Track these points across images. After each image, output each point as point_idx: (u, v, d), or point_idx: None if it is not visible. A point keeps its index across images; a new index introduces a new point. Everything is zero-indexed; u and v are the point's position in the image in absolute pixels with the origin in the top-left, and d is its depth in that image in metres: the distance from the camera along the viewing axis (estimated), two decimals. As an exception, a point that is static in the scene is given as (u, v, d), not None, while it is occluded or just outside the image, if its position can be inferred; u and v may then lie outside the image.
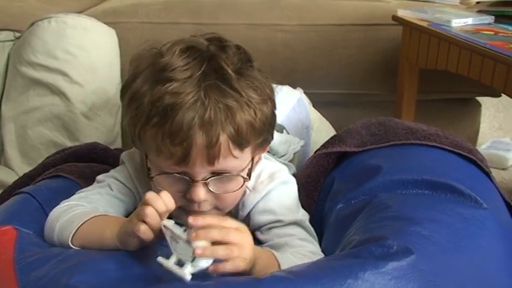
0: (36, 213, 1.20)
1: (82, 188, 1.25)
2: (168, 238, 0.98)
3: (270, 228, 1.19)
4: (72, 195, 1.21)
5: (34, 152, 1.80)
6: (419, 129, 1.25)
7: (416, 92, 1.94)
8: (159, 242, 1.02)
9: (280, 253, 1.10)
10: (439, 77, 1.95)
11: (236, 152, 1.09)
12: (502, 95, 2.11)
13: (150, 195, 1.01)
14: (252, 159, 1.15)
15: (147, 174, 1.14)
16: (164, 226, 0.98)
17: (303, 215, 1.21)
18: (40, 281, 0.99)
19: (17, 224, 1.15)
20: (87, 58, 1.83)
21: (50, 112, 1.80)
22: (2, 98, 1.88)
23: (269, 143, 1.20)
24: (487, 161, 1.25)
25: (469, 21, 1.76)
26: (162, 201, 1.01)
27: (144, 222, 0.99)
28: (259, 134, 1.12)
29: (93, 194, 1.21)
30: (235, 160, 1.10)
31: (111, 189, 1.22)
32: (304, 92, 1.63)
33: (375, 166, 1.16)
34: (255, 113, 1.10)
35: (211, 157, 1.07)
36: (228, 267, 0.96)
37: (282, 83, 1.59)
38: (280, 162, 1.33)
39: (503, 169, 2.28)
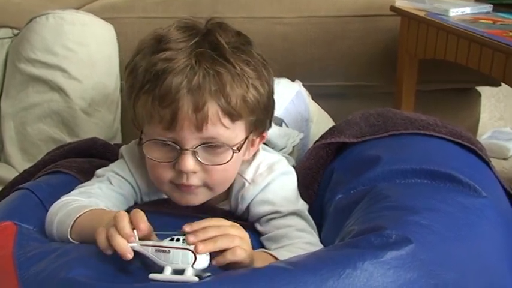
0: (36, 208, 1.20)
1: (81, 183, 1.25)
2: (151, 255, 0.95)
3: (269, 220, 1.19)
4: (72, 190, 1.21)
5: (34, 148, 1.80)
6: (418, 119, 1.25)
7: (416, 82, 1.94)
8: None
9: (277, 252, 1.10)
10: (438, 67, 1.95)
11: (226, 121, 1.10)
12: (503, 84, 2.11)
13: (117, 215, 0.98)
14: (246, 138, 1.15)
15: (138, 143, 1.16)
16: (142, 245, 0.96)
17: (302, 205, 1.21)
18: (39, 275, 0.99)
19: (17, 220, 1.15)
20: (86, 54, 1.83)
21: (49, 108, 1.80)
22: (1, 95, 1.88)
23: (265, 128, 1.20)
24: (488, 151, 1.24)
25: (467, 10, 1.76)
26: (127, 221, 0.97)
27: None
28: (252, 110, 1.13)
29: (93, 189, 1.21)
30: (225, 130, 1.11)
31: (111, 184, 1.22)
32: (303, 85, 1.63)
33: (374, 156, 1.16)
34: (247, 87, 1.11)
35: (199, 122, 1.08)
36: (229, 256, 0.96)
37: (280, 75, 1.59)
38: (279, 154, 1.33)
39: (504, 159, 2.28)
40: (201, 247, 0.94)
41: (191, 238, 0.94)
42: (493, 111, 2.73)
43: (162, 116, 1.09)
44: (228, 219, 1.15)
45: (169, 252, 0.94)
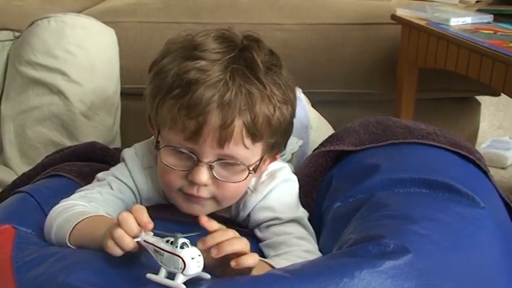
0: (34, 212, 1.20)
1: (81, 186, 1.25)
2: (151, 252, 0.96)
3: (269, 226, 1.19)
4: (71, 194, 1.21)
5: (33, 151, 1.80)
6: (417, 128, 1.25)
7: (416, 91, 1.94)
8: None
9: (274, 260, 1.10)
10: (438, 76, 1.95)
11: (248, 142, 1.10)
12: (502, 94, 2.11)
13: (122, 216, 0.98)
14: (261, 159, 1.15)
15: (155, 147, 1.15)
16: (144, 241, 0.97)
17: (302, 213, 1.21)
18: (37, 279, 0.99)
19: (16, 223, 1.15)
20: (87, 57, 1.83)
21: (49, 111, 1.80)
22: (1, 97, 1.88)
23: (280, 150, 1.20)
24: (487, 160, 1.25)
25: (468, 20, 1.77)
26: (133, 221, 0.97)
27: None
28: (274, 132, 1.13)
29: (93, 194, 1.20)
30: (245, 150, 1.10)
31: (111, 188, 1.22)
32: (303, 92, 1.63)
33: (373, 165, 1.16)
34: (274, 109, 1.11)
35: (223, 139, 1.08)
36: (250, 260, 0.96)
37: (281, 82, 1.59)
38: (283, 162, 1.33)
39: (503, 168, 2.29)
40: (215, 252, 0.94)
41: (199, 243, 0.95)
42: (492, 121, 2.73)
43: (186, 126, 1.09)
44: (228, 227, 1.16)
45: (163, 254, 0.94)
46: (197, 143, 1.09)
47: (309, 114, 1.58)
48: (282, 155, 1.40)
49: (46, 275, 0.99)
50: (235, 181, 1.12)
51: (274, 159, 1.21)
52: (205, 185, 1.12)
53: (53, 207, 1.16)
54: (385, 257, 0.93)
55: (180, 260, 0.92)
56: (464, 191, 1.08)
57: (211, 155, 1.10)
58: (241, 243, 0.97)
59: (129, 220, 0.97)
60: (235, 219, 1.23)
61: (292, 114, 1.18)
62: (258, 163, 1.14)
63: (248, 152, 1.11)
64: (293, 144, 1.44)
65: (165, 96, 1.11)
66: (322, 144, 1.27)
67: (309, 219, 1.22)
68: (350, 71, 2.00)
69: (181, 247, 0.92)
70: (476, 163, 1.20)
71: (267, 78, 1.11)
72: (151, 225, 0.97)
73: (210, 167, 1.10)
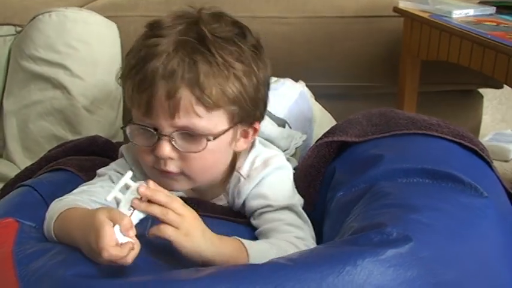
0: (37, 206, 1.20)
1: (83, 181, 1.26)
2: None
3: (261, 214, 1.19)
4: (74, 188, 1.21)
5: (36, 145, 1.80)
6: (420, 120, 1.25)
7: (418, 83, 1.94)
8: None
9: (253, 242, 1.10)
10: (440, 69, 1.95)
11: (200, 111, 1.11)
12: (505, 86, 2.11)
13: (98, 232, 0.97)
14: (230, 128, 1.15)
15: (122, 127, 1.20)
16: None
17: (296, 200, 1.21)
18: (38, 272, 0.99)
19: (19, 217, 1.15)
20: (88, 52, 1.83)
21: (51, 106, 1.81)
22: (3, 92, 1.89)
23: (256, 119, 1.20)
24: (489, 153, 1.24)
25: (470, 12, 1.76)
26: (110, 234, 0.97)
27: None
28: (233, 101, 1.13)
29: (95, 187, 1.21)
30: (200, 119, 1.11)
31: (112, 182, 1.22)
32: (306, 85, 1.63)
33: (376, 155, 1.16)
34: (227, 77, 1.11)
35: (172, 109, 1.10)
36: (154, 230, 1.00)
37: (283, 76, 1.59)
38: (277, 149, 1.33)
39: (506, 161, 2.28)
40: (136, 203, 0.99)
41: (135, 201, 1.00)
42: (494, 114, 2.73)
43: (139, 102, 1.12)
44: (228, 216, 1.16)
45: (124, 193, 1.01)
46: (152, 116, 1.11)
47: (312, 108, 1.58)
48: (285, 150, 1.40)
49: (46, 268, 0.99)
50: (195, 150, 1.12)
51: (255, 130, 1.21)
52: (171, 159, 1.13)
53: (55, 201, 1.17)
54: (387, 245, 0.93)
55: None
56: (467, 181, 1.08)
57: (168, 126, 1.11)
58: (162, 211, 1.00)
59: (106, 234, 0.97)
60: (233, 207, 1.24)
61: (259, 83, 1.17)
62: (223, 132, 1.14)
63: (205, 120, 1.11)
64: (297, 138, 1.44)
65: (125, 78, 1.15)
66: (325, 135, 1.27)
67: (312, 210, 1.22)
68: (352, 64, 2.00)
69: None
70: (479, 153, 1.20)
71: (218, 47, 1.12)
72: (132, 231, 0.99)
73: (171, 139, 1.12)
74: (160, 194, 1.01)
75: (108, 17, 1.91)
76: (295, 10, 1.98)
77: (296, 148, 1.43)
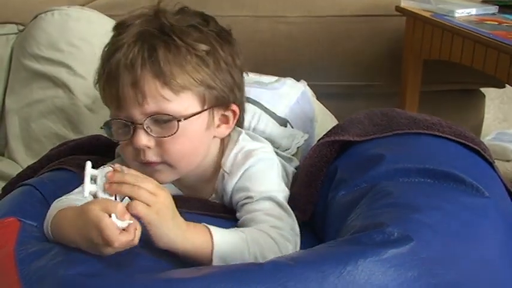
0: (39, 205, 1.20)
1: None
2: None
3: (243, 205, 1.19)
4: (75, 187, 1.21)
5: (38, 144, 1.80)
6: (422, 119, 1.25)
7: (420, 83, 1.94)
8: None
9: (225, 230, 1.09)
10: (442, 68, 1.95)
11: (167, 94, 1.12)
12: (507, 86, 2.11)
13: (99, 225, 0.97)
14: (203, 111, 1.16)
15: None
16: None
17: (279, 191, 1.20)
18: (39, 271, 0.99)
19: (21, 216, 1.15)
20: (91, 50, 1.83)
21: (53, 105, 1.81)
22: (5, 90, 1.89)
23: (231, 101, 1.21)
24: (491, 153, 1.24)
25: (473, 11, 1.76)
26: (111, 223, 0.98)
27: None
28: (200, 82, 1.15)
29: None
30: (168, 103, 1.13)
31: None
32: (308, 84, 1.63)
33: (378, 155, 1.16)
34: (189, 59, 1.13)
35: (139, 96, 1.11)
36: (133, 205, 0.98)
37: (285, 74, 1.59)
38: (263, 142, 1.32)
39: (507, 161, 2.28)
40: (107, 186, 0.99)
41: (106, 185, 0.99)
42: (497, 113, 2.73)
43: (110, 97, 1.15)
44: (225, 214, 1.15)
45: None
46: (123, 108, 1.13)
47: (313, 108, 1.58)
48: (287, 149, 1.40)
49: (47, 268, 0.99)
50: (168, 134, 1.13)
51: (234, 113, 1.22)
52: (148, 147, 1.14)
53: (57, 200, 1.17)
54: (389, 245, 0.93)
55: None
56: (469, 181, 1.08)
57: (140, 115, 1.13)
58: (133, 189, 0.99)
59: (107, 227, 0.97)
60: (222, 203, 1.24)
61: (227, 64, 1.19)
62: (196, 114, 1.15)
63: (175, 104, 1.13)
64: (298, 138, 1.44)
65: (98, 80, 1.19)
66: (327, 135, 1.27)
67: (314, 209, 1.22)
68: (354, 63, 2.00)
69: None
70: (481, 153, 1.19)
71: (178, 32, 1.14)
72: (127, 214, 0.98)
73: (145, 128, 1.13)
74: (128, 175, 1.00)
75: (110, 16, 1.90)
76: (298, 9, 1.99)
77: (298, 148, 1.43)
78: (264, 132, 1.38)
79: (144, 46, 1.12)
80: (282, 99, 1.47)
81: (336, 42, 1.97)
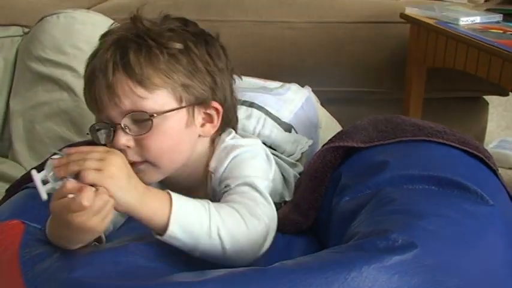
0: (43, 208, 1.18)
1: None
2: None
3: (223, 194, 1.18)
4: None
5: (42, 146, 1.80)
6: (426, 126, 1.25)
7: (424, 90, 1.94)
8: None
9: (190, 200, 1.07)
10: (446, 76, 1.95)
11: (141, 92, 1.14)
12: (510, 94, 2.11)
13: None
14: (181, 108, 1.17)
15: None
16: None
17: (260, 178, 1.19)
18: (43, 274, 1.00)
19: (25, 219, 1.15)
20: (96, 54, 1.83)
21: (58, 107, 1.81)
22: (10, 93, 1.89)
23: (211, 98, 1.21)
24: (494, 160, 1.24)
25: (477, 19, 1.76)
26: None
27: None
28: (174, 79, 1.16)
29: None
30: (143, 100, 1.14)
31: None
32: (312, 90, 1.63)
33: (382, 161, 1.16)
34: (160, 57, 1.15)
35: (113, 96, 1.14)
36: (84, 176, 0.95)
37: (289, 80, 1.59)
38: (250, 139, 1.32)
39: (510, 168, 2.28)
40: (56, 170, 0.97)
41: (56, 170, 0.98)
42: (499, 121, 2.73)
43: (90, 100, 1.18)
44: None
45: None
46: (102, 111, 1.16)
47: (318, 113, 1.58)
48: (291, 155, 1.40)
49: (51, 271, 0.99)
50: (145, 132, 1.14)
51: (217, 111, 1.23)
52: (128, 147, 1.15)
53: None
54: (393, 252, 0.93)
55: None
56: (473, 189, 1.08)
57: (117, 115, 1.15)
58: (79, 163, 0.96)
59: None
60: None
61: (206, 65, 1.20)
62: (172, 111, 1.16)
63: (149, 101, 1.15)
64: (303, 143, 1.44)
65: (84, 90, 1.21)
66: (331, 140, 1.27)
67: (317, 215, 1.22)
68: (358, 70, 2.00)
69: None
70: (485, 161, 1.20)
71: (155, 35, 1.17)
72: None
73: (124, 128, 1.14)
74: (75, 154, 0.98)
75: (116, 20, 1.90)
76: (303, 15, 1.99)
77: (302, 153, 1.43)
78: (269, 138, 1.38)
79: (117, 51, 1.15)
80: (286, 105, 1.47)
81: (340, 49, 1.98)
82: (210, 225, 1.04)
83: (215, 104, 1.22)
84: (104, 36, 1.22)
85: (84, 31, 1.84)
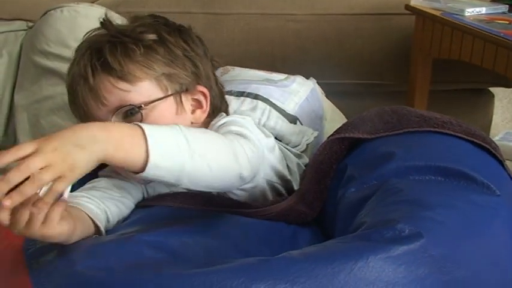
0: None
1: (93, 177, 1.26)
2: None
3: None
4: (83, 184, 1.23)
5: (46, 140, 1.80)
6: (432, 117, 1.24)
7: (429, 82, 1.93)
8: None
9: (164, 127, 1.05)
10: (451, 67, 1.95)
11: (124, 86, 1.17)
12: (515, 85, 2.11)
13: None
14: (167, 97, 1.19)
15: None
16: None
17: (251, 131, 1.19)
18: (48, 267, 1.00)
19: (29, 213, 1.15)
20: (99, 47, 1.83)
21: (62, 101, 1.80)
22: (15, 87, 1.89)
23: (195, 84, 1.24)
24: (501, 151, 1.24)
25: (483, 10, 1.75)
26: None
27: None
28: (153, 69, 1.18)
29: (100, 183, 1.24)
30: (127, 93, 1.17)
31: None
32: (316, 82, 1.63)
33: (388, 152, 1.15)
34: (137, 48, 1.18)
35: (97, 97, 1.16)
36: (55, 189, 0.90)
37: (293, 72, 1.59)
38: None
39: (515, 160, 2.27)
40: (5, 204, 0.87)
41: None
42: (505, 113, 2.72)
43: (75, 106, 1.21)
44: (234, 209, 1.15)
45: None
46: (91, 114, 1.18)
47: (323, 105, 1.58)
48: (297, 146, 1.40)
49: (55, 263, 1.00)
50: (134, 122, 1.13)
51: (204, 95, 1.25)
52: None
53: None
54: (399, 242, 0.93)
55: None
56: (480, 179, 1.08)
57: (106, 114, 1.17)
58: (31, 184, 0.88)
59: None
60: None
61: (183, 51, 1.23)
62: (158, 100, 1.18)
63: (134, 94, 1.17)
64: (308, 135, 1.44)
65: (68, 97, 1.25)
66: (337, 131, 1.26)
67: (323, 206, 1.22)
68: (363, 62, 1.99)
69: None
70: (492, 152, 1.19)
71: (129, 32, 1.20)
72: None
73: None
74: (10, 175, 0.87)
75: (119, 13, 1.90)
76: (306, 7, 1.98)
77: (307, 144, 1.43)
78: (274, 129, 1.37)
79: (92, 54, 1.19)
80: (291, 97, 1.47)
81: (345, 41, 1.97)
82: (189, 144, 1.01)
83: (201, 88, 1.24)
84: (79, 46, 1.25)
85: (88, 24, 1.80)
